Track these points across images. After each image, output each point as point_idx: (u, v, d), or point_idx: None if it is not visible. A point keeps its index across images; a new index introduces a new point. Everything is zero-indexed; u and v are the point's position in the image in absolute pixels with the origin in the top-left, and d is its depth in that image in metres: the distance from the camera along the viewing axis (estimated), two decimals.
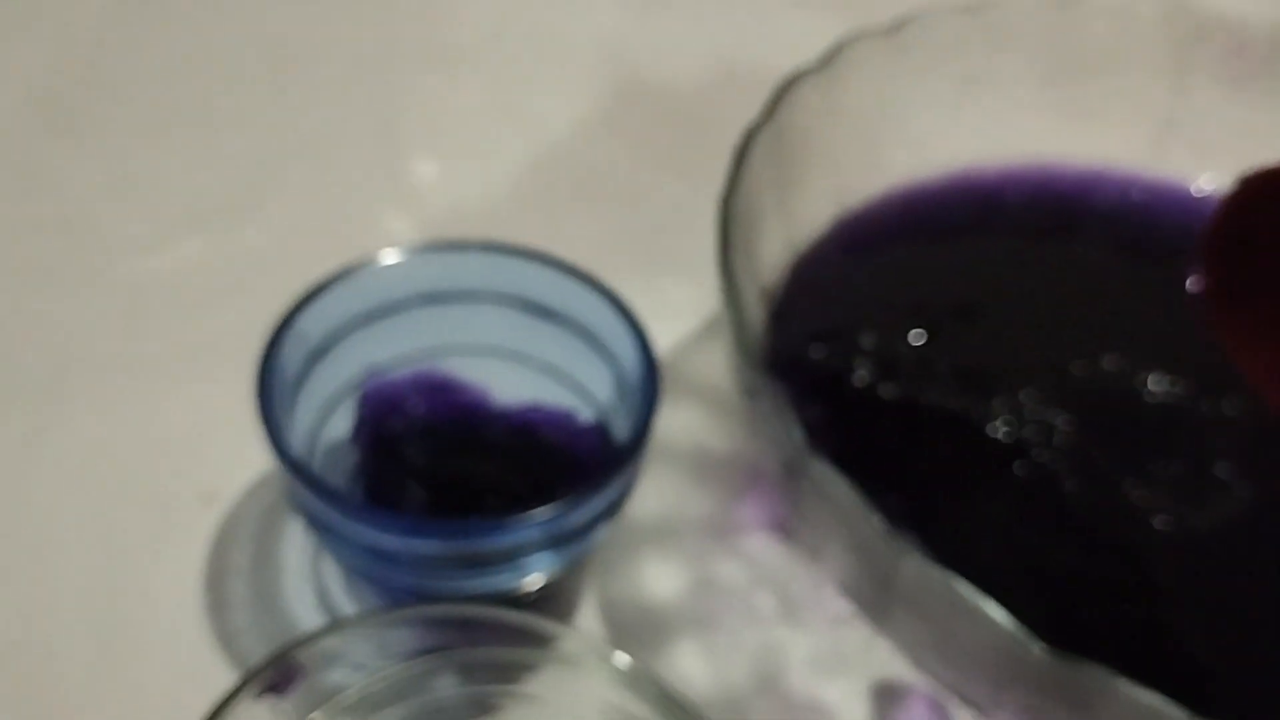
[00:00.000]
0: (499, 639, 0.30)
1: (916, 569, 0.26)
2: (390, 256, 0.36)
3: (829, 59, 0.38)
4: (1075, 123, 0.42)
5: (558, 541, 0.33)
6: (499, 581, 0.33)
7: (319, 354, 0.35)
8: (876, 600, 0.30)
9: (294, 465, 0.31)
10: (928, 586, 0.26)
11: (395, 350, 0.37)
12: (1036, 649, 0.25)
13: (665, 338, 0.43)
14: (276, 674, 0.26)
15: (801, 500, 0.30)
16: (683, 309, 0.45)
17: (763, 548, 0.39)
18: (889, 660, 0.35)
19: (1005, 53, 0.41)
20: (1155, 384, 0.37)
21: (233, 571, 0.37)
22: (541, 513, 0.31)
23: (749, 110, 0.38)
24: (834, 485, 0.27)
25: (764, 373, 0.29)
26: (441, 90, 0.55)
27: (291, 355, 0.34)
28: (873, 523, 0.26)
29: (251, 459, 0.33)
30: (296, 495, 0.32)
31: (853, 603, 0.32)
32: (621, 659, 0.29)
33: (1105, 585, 0.33)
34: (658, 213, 0.49)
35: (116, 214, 0.48)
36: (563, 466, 0.36)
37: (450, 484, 0.36)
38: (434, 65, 0.56)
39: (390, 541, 0.32)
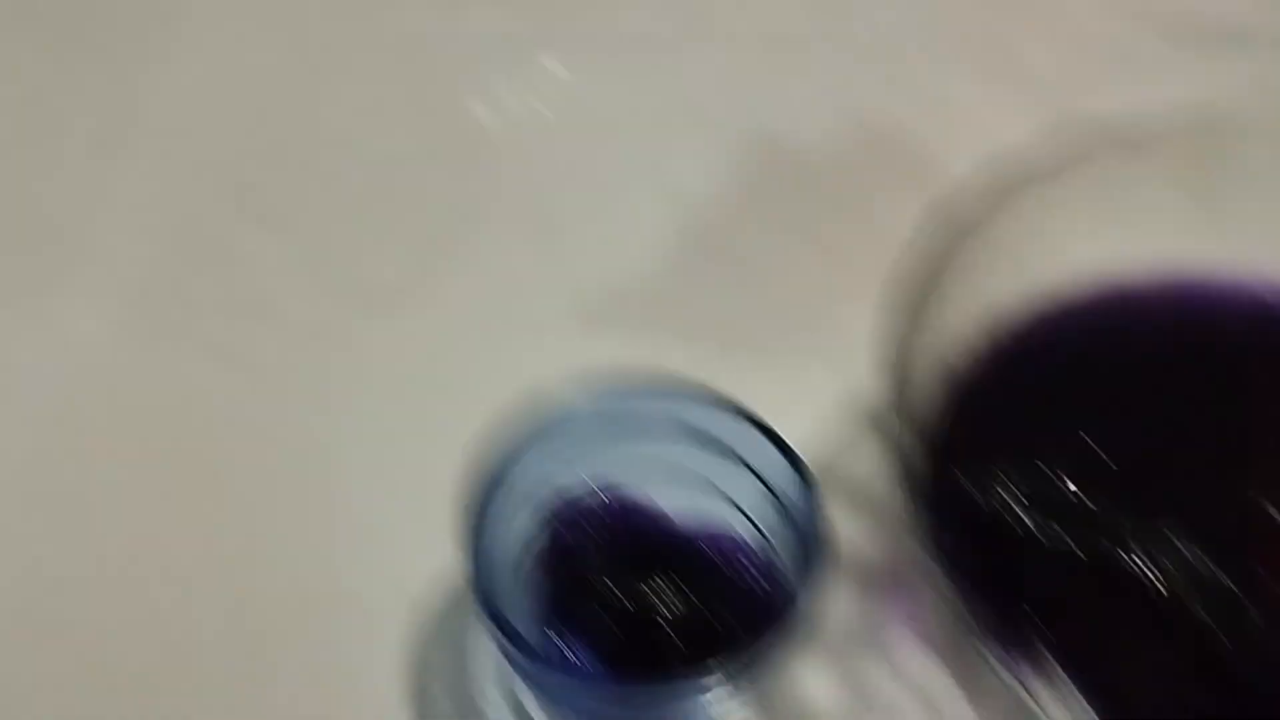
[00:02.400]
0: None
1: None
2: (576, 400, 0.39)
3: (989, 209, 0.40)
4: (1220, 240, 0.44)
5: (730, 682, 0.37)
6: (672, 712, 0.37)
7: (513, 495, 0.39)
8: None
9: (503, 632, 0.35)
10: None
11: (578, 476, 0.41)
12: None
13: (807, 423, 0.46)
14: None
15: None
16: (823, 390, 0.48)
17: (908, 654, 0.42)
18: None
19: (1160, 186, 0.42)
20: None
21: (430, 671, 0.41)
22: (714, 669, 0.35)
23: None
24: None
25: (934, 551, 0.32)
26: (586, 163, 0.57)
27: (500, 510, 0.38)
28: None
29: (445, 551, 0.36)
30: (496, 645, 0.36)
31: None
32: None
33: None
34: (800, 289, 0.51)
35: (302, 297, 0.51)
36: (735, 594, 0.40)
37: (631, 610, 0.39)
38: (578, 140, 0.58)
39: (575, 688, 0.36)
